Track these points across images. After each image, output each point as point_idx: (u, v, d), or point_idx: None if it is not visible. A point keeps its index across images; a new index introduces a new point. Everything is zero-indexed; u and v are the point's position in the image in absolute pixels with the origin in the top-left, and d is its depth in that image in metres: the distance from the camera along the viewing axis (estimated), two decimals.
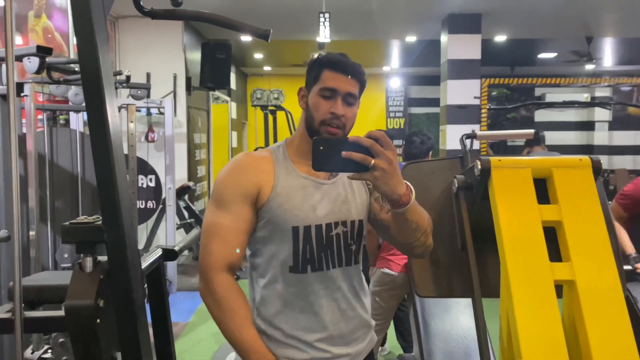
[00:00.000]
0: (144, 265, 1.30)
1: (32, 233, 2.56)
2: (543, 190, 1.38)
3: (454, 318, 2.36)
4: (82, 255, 1.08)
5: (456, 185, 1.52)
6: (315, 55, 1.40)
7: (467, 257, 1.50)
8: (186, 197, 6.04)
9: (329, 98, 1.33)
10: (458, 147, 6.40)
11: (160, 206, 5.02)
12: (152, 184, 4.80)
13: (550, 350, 1.19)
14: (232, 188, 1.35)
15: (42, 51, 2.27)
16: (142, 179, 4.75)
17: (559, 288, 1.28)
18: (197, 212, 6.15)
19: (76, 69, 2.92)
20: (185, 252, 6.33)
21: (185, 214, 6.02)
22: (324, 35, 5.11)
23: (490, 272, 1.56)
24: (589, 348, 1.19)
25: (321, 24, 5.08)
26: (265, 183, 1.35)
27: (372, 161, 1.14)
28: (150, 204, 4.82)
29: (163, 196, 5.00)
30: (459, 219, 1.55)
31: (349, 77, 1.34)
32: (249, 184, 1.34)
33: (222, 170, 1.39)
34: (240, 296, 1.32)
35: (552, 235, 1.35)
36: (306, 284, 1.36)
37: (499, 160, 1.38)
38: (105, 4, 1.12)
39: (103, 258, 1.08)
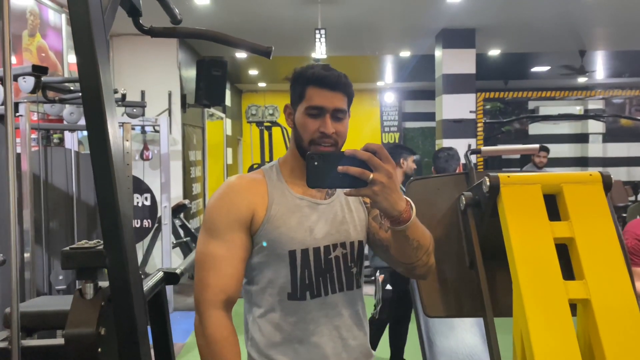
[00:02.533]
0: (146, 289, 1.26)
1: (27, 255, 2.51)
2: (553, 206, 1.35)
3: (459, 336, 2.32)
4: (82, 281, 1.04)
5: (464, 203, 1.49)
6: (298, 70, 1.33)
7: (476, 276, 1.47)
8: (182, 215, 5.99)
9: (316, 116, 1.26)
10: None
11: (156, 225, 4.98)
12: (148, 203, 4.76)
13: None
14: (224, 214, 1.27)
15: (38, 70, 2.25)
16: (137, 198, 4.72)
17: (572, 307, 1.25)
18: (192, 230, 6.09)
19: (71, 88, 2.89)
20: None
21: (181, 232, 5.97)
22: (320, 51, 5.11)
23: (500, 290, 1.53)
24: None
25: (317, 40, 5.09)
26: (259, 206, 1.28)
27: (371, 175, 1.06)
28: (145, 223, 4.78)
29: (159, 215, 4.96)
30: (467, 236, 1.52)
31: (335, 91, 1.27)
32: (242, 208, 1.27)
33: (213, 196, 1.32)
34: (233, 340, 1.25)
35: (561, 253, 1.33)
36: (305, 311, 1.29)
37: (508, 176, 1.35)
38: (106, 21, 1.09)
39: (104, 283, 1.04)
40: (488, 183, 1.35)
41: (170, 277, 1.38)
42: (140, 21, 1.31)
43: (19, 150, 2.84)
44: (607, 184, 1.34)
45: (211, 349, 1.23)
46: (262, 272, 1.31)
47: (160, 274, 1.37)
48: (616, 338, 1.18)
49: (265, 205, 1.28)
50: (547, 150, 6.06)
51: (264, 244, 1.29)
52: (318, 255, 1.29)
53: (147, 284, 1.27)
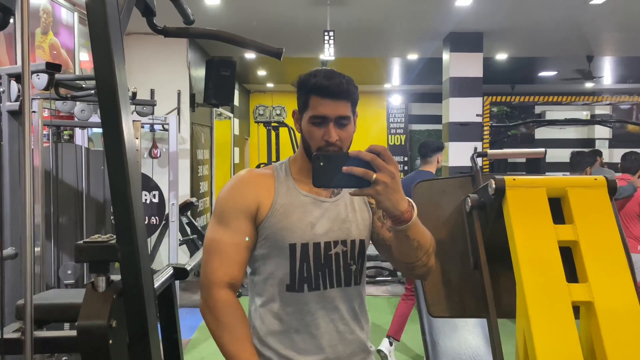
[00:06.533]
0: (156, 284, 1.28)
1: (37, 250, 2.55)
2: (558, 210, 1.37)
3: (462, 337, 2.33)
4: (94, 274, 1.06)
5: (469, 204, 1.51)
6: (302, 77, 1.35)
7: (480, 277, 1.48)
8: (189, 213, 6.02)
9: (320, 125, 1.30)
10: (460, 164, 6.45)
11: (163, 222, 5.01)
12: (156, 200, 4.79)
13: None
14: (232, 204, 1.34)
15: (52, 68, 2.28)
16: (145, 195, 4.75)
17: (575, 309, 1.26)
18: (199, 228, 6.13)
19: (83, 86, 2.93)
20: None
21: (188, 230, 6.00)
22: (329, 53, 5.13)
23: (503, 291, 1.54)
24: None
25: (326, 42, 5.11)
26: (265, 199, 1.34)
27: (374, 175, 1.10)
28: (153, 220, 4.81)
29: (166, 212, 4.99)
30: (472, 238, 1.54)
31: (338, 100, 1.29)
32: (249, 200, 1.34)
33: (224, 187, 1.39)
34: (240, 313, 1.31)
35: (566, 256, 1.34)
36: (303, 303, 1.34)
37: (514, 179, 1.37)
38: (122, 21, 1.12)
39: (116, 277, 1.06)
40: (494, 185, 1.36)
41: (179, 273, 1.41)
42: (154, 21, 1.34)
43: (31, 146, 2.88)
44: (612, 188, 1.35)
45: (220, 322, 1.29)
46: (265, 263, 1.36)
47: (170, 269, 1.39)
48: (618, 341, 1.20)
49: (270, 199, 1.34)
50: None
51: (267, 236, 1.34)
52: (318, 250, 1.34)
53: (158, 278, 1.30)
